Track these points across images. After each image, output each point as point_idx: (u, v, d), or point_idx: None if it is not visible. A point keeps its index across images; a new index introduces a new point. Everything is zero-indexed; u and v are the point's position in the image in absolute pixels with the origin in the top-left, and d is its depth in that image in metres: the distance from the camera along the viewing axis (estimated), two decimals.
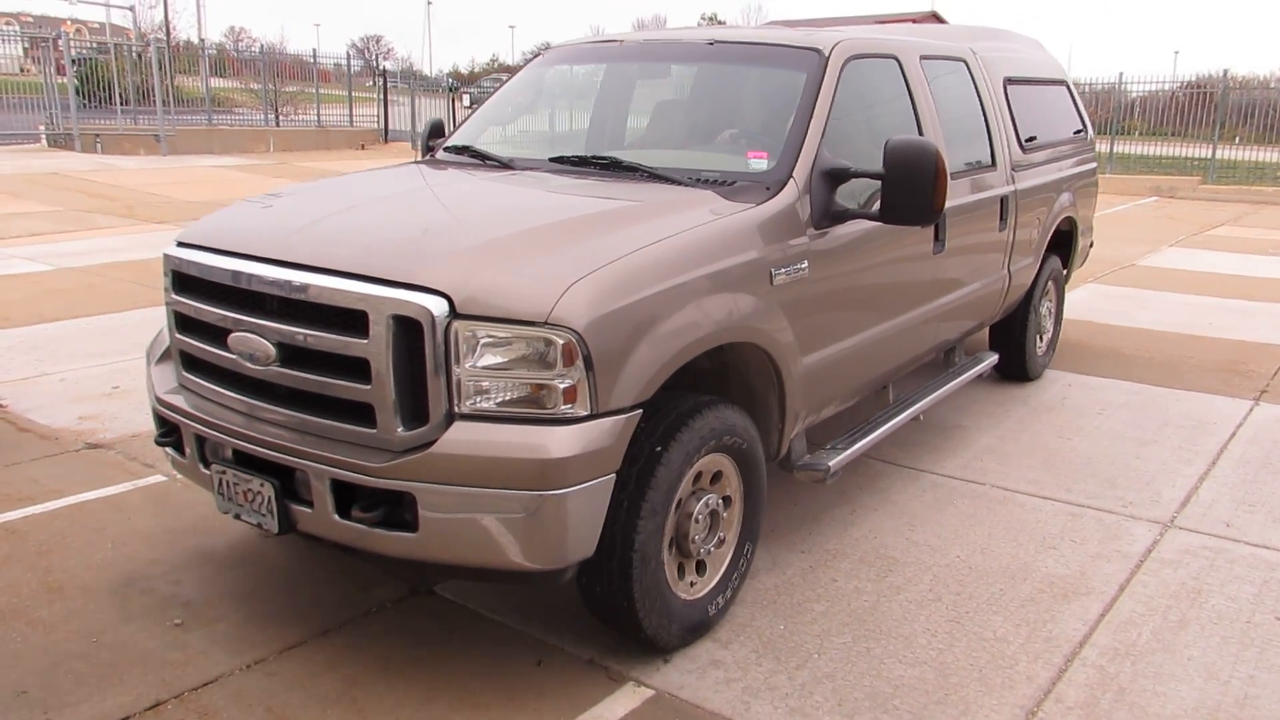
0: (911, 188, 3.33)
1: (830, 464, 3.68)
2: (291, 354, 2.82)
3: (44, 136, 20.28)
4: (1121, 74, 21.39)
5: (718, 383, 3.40)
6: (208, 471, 3.07)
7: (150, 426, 4.92)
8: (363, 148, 24.68)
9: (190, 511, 4.02)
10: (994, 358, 5.46)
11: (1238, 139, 21.97)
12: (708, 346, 3.00)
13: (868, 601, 3.45)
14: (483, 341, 2.60)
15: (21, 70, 24.47)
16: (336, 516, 2.74)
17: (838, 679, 2.99)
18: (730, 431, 3.10)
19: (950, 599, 3.48)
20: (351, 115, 26.09)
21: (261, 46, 28.54)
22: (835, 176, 3.56)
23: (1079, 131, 6.44)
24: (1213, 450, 4.99)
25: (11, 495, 4.14)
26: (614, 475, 2.73)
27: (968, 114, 4.91)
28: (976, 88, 5.05)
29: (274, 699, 2.83)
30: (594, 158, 3.87)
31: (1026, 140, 5.47)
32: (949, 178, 3.57)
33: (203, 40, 29.94)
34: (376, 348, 2.63)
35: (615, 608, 2.93)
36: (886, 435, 4.16)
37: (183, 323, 3.21)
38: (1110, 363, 6.57)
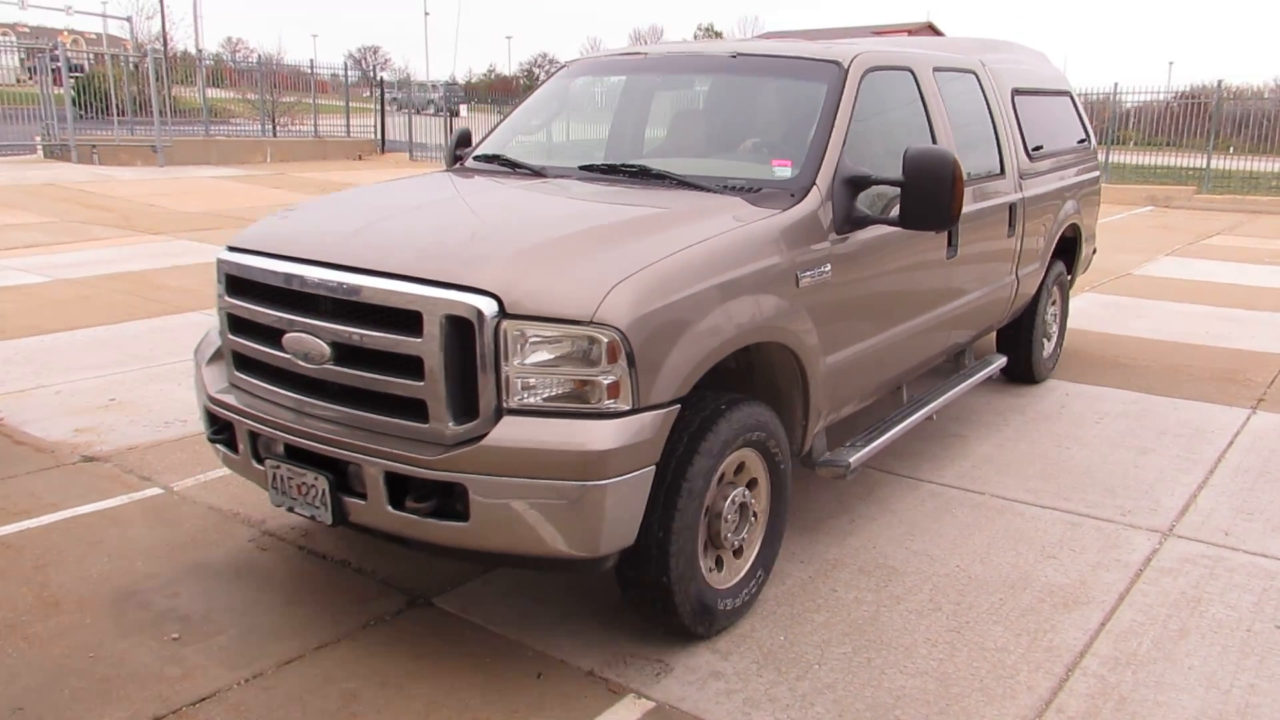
0: (930, 194, 3.49)
1: (850, 460, 3.82)
2: (346, 353, 2.94)
3: (40, 147, 20.28)
4: (1116, 84, 21.47)
5: (743, 382, 3.50)
6: (261, 467, 3.18)
7: (147, 439, 4.94)
8: (360, 158, 24.72)
9: (187, 524, 4.01)
10: (1002, 360, 5.60)
11: (1231, 149, 22.06)
12: (740, 345, 3.14)
13: (868, 611, 3.44)
14: (531, 340, 2.74)
15: (18, 81, 24.46)
16: (390, 507, 2.86)
17: (839, 690, 2.98)
18: (759, 428, 3.24)
19: (950, 608, 3.47)
20: (349, 126, 26.13)
21: (259, 57, 28.53)
22: (856, 184, 3.71)
23: (1082, 141, 6.57)
24: (1211, 459, 4.99)
25: (7, 509, 4.12)
26: (654, 467, 2.86)
27: (978, 123, 5.05)
28: (986, 98, 5.19)
29: (272, 714, 2.82)
30: (623, 166, 4.02)
31: (1033, 149, 5.60)
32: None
33: (200, 51, 30.00)
34: (430, 346, 2.76)
35: (652, 596, 3.05)
36: (902, 434, 4.30)
37: (235, 324, 3.33)
38: (1108, 372, 6.57)
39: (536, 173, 4.11)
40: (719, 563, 3.28)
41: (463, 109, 28.06)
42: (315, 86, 26.66)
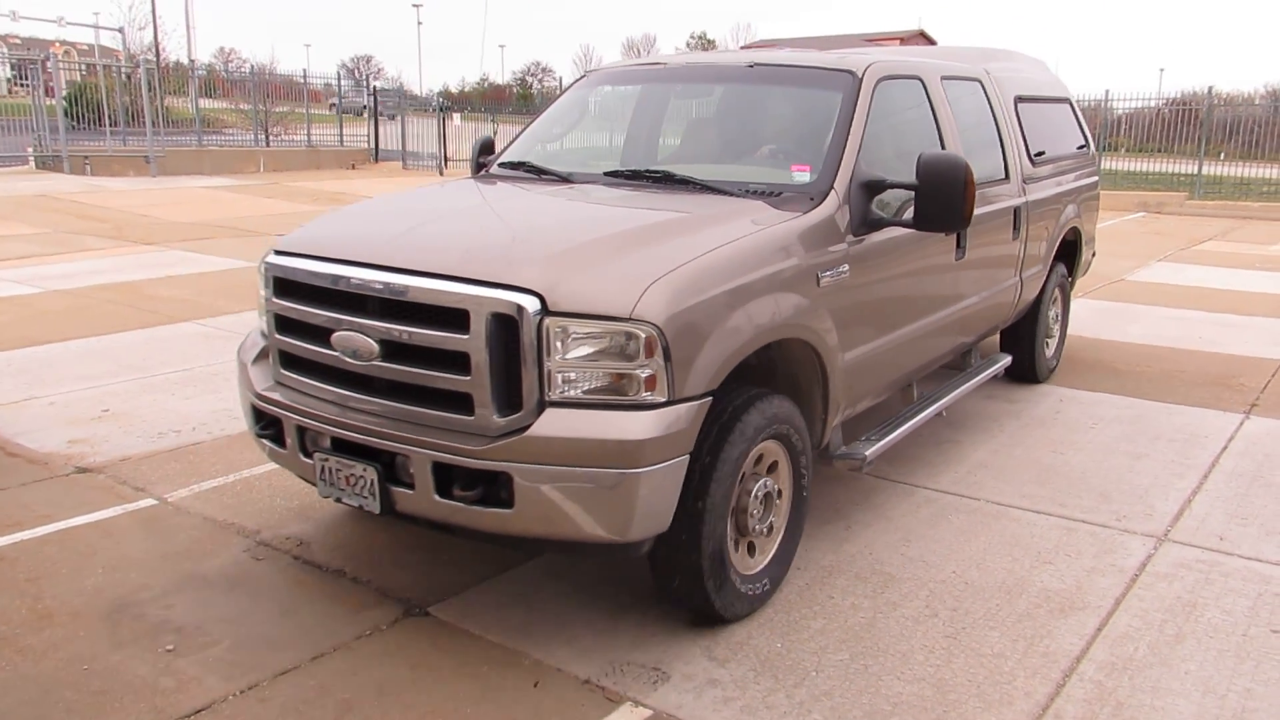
0: (943, 198, 3.66)
1: (867, 453, 3.99)
2: (393, 349, 3.07)
3: (32, 159, 20.24)
4: (1108, 91, 21.57)
5: (765, 378, 3.59)
6: (308, 460, 3.32)
7: (141, 449, 4.92)
8: (353, 167, 24.72)
9: (181, 535, 3.99)
10: (1007, 359, 5.78)
11: (1222, 155, 22.17)
12: (766, 341, 3.31)
13: (864, 618, 3.44)
14: (572, 336, 2.88)
15: (9, 91, 24.42)
16: (437, 496, 3.00)
17: (836, 697, 2.97)
18: (783, 421, 3.39)
19: (947, 615, 3.47)
20: (342, 135, 26.13)
21: (252, 67, 28.53)
22: (871, 188, 3.87)
23: (1082, 147, 6.76)
24: (1205, 464, 5.00)
25: (0, 521, 4.10)
26: (687, 456, 3.01)
27: (983, 130, 5.23)
28: (991, 106, 5.37)
29: None
30: (647, 171, 4.19)
31: (1036, 155, 5.77)
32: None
33: (193, 61, 29.96)
34: (476, 342, 2.90)
35: (684, 579, 3.19)
36: (915, 428, 4.47)
37: (283, 324, 3.45)
38: (1102, 377, 6.59)
39: (564, 179, 4.25)
40: (749, 549, 3.44)
41: (456, 116, 28.08)
42: (308, 96, 26.67)
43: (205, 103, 25.58)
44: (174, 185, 18.55)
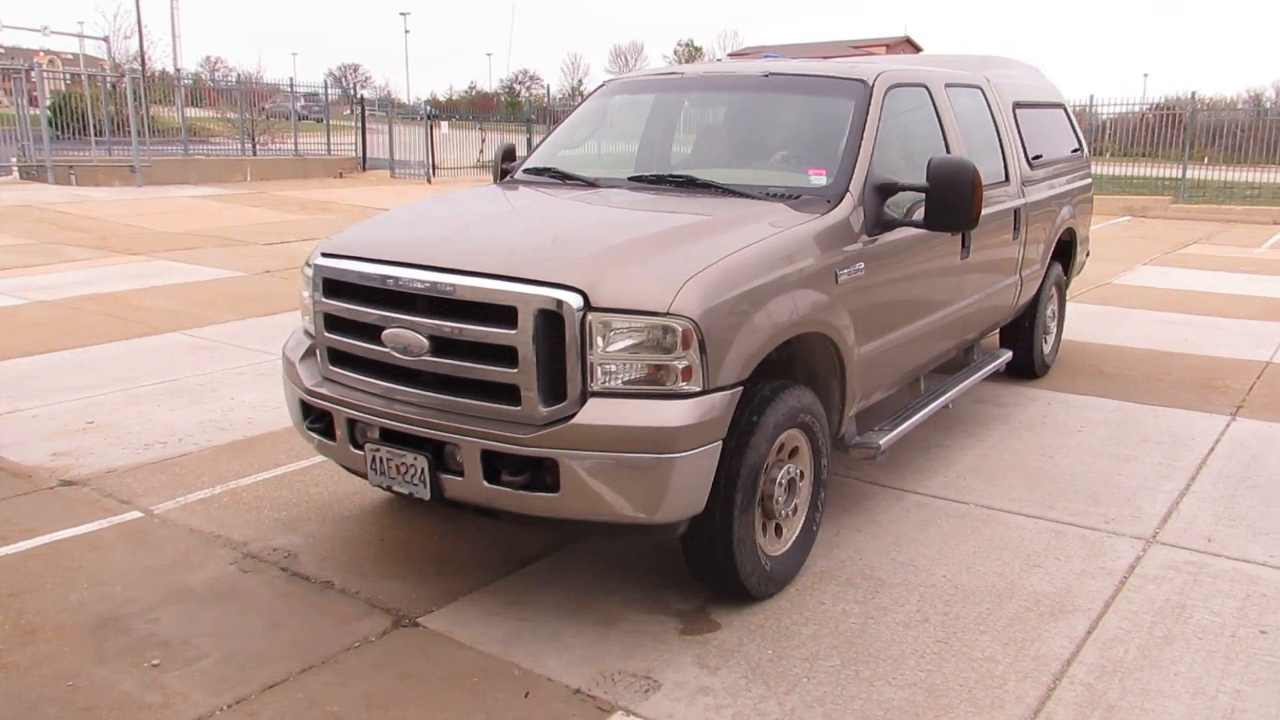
0: (953, 199, 3.88)
1: (880, 443, 4.20)
2: (443, 345, 3.25)
3: (15, 168, 20.12)
4: (1093, 96, 21.73)
5: (785, 371, 3.73)
6: (358, 451, 3.48)
7: (126, 461, 4.88)
8: (340, 176, 24.65)
9: (167, 548, 3.96)
10: (1008, 355, 6.01)
11: (1206, 159, 22.34)
12: (790, 334, 3.51)
13: (855, 624, 3.44)
14: (613, 330, 3.07)
15: None
16: (485, 482, 3.18)
17: (828, 703, 2.97)
18: (806, 410, 3.60)
19: (938, 619, 3.47)
20: (329, 143, 26.07)
21: (238, 76, 28.45)
22: (884, 190, 4.08)
23: (1076, 150, 6.99)
24: (1192, 466, 5.02)
25: None
26: (721, 442, 3.20)
27: (984, 134, 5.44)
28: (991, 111, 5.60)
29: None
30: (670, 176, 4.40)
31: (1033, 158, 6.01)
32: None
33: (178, 70, 29.88)
34: (524, 337, 3.08)
35: (716, 559, 3.38)
36: (923, 420, 4.67)
37: (331, 323, 3.61)
38: (1089, 380, 6.62)
39: (590, 184, 4.44)
40: (776, 531, 3.64)
41: (444, 124, 28.05)
42: (294, 104, 26.61)
43: (191, 112, 25.49)
44: (160, 195, 18.47)
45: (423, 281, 3.28)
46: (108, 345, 7.20)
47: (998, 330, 6.23)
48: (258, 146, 24.82)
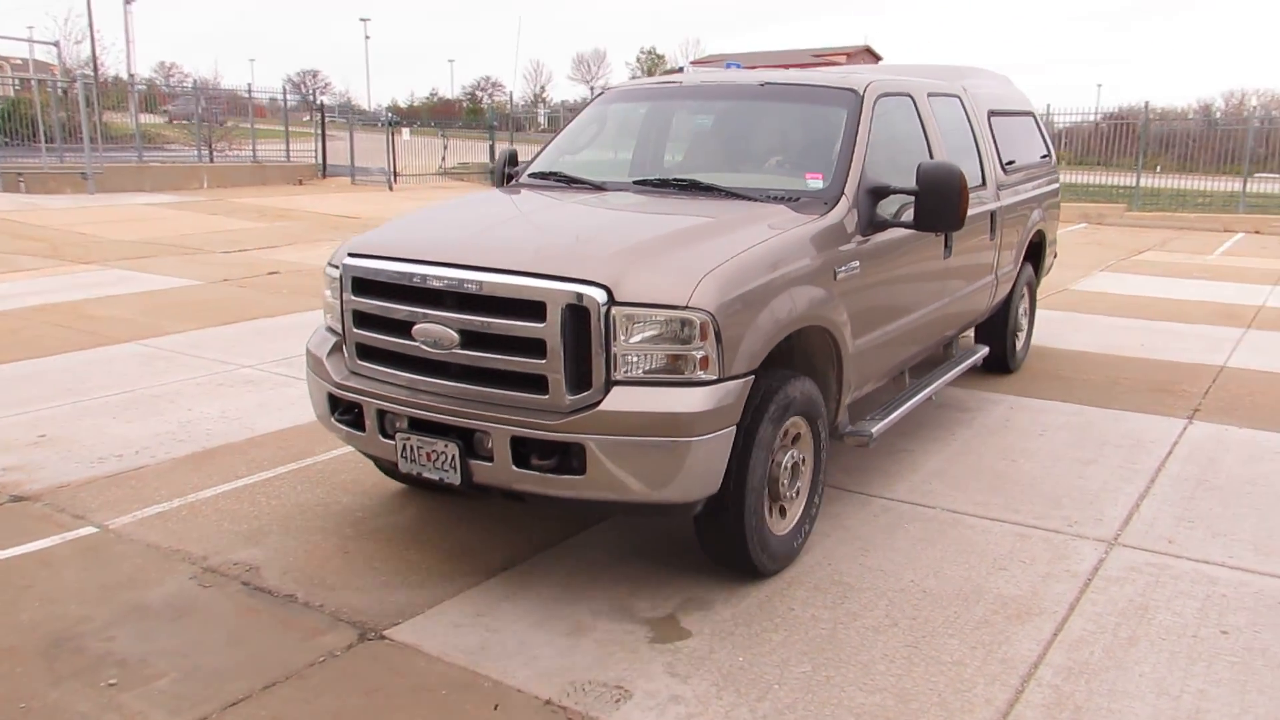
0: (942, 201, 4.11)
1: (873, 430, 4.40)
2: (472, 338, 3.43)
3: None
4: (1049, 106, 22.10)
5: (785, 363, 3.88)
6: (388, 441, 3.65)
7: (80, 475, 4.76)
8: (300, 183, 24.35)
9: (123, 564, 3.86)
10: (985, 350, 6.29)
11: (1159, 168, 22.83)
12: (795, 327, 3.73)
13: (825, 629, 3.44)
14: (636, 323, 3.27)
15: None
16: (515, 467, 3.36)
17: (799, 710, 2.96)
18: (808, 398, 3.82)
19: (906, 624, 3.48)
20: (288, 150, 25.76)
21: (194, 82, 28.06)
22: (876, 193, 4.32)
23: (1045, 156, 7.29)
24: (1151, 468, 5.10)
25: None
26: (735, 427, 3.42)
27: (963, 140, 5.71)
28: (969, 119, 5.86)
29: None
30: (674, 180, 4.56)
31: (1007, 164, 6.27)
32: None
33: (132, 76, 29.38)
34: (552, 330, 3.28)
35: (727, 538, 3.61)
36: (911, 409, 4.91)
37: (360, 319, 3.77)
38: (1050, 385, 6.70)
39: (597, 187, 4.66)
40: (780, 512, 3.84)
41: (405, 131, 27.86)
42: (253, 111, 26.27)
43: (146, 118, 25.05)
44: (113, 203, 18.10)
45: (453, 279, 3.45)
46: (60, 356, 7.03)
47: (973, 329, 6.51)
48: (215, 153, 24.45)
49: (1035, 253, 7.05)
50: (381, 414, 3.67)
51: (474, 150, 28.93)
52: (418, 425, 3.57)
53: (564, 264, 3.38)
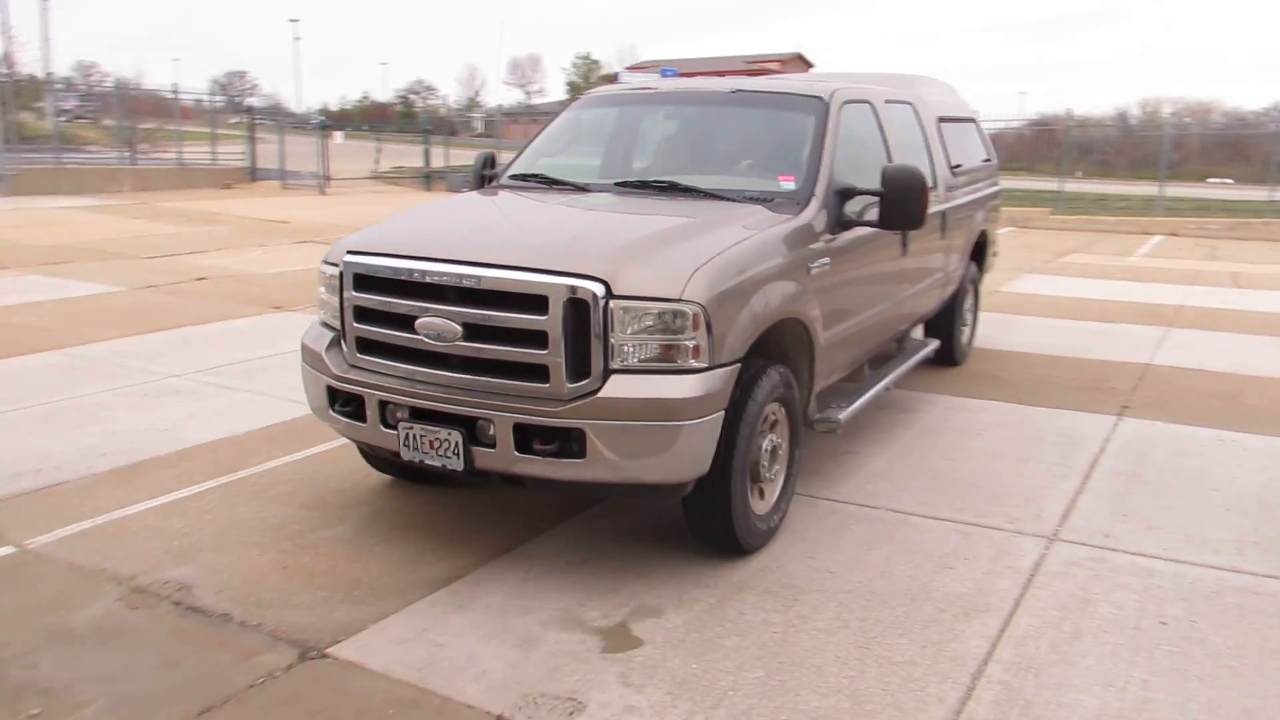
0: (904, 201, 4.39)
1: (840, 417, 4.63)
2: (475, 331, 3.58)
3: None
4: (976, 112, 22.62)
5: (762, 354, 3.99)
6: (389, 431, 3.78)
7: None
8: (228, 186, 23.75)
9: (44, 586, 3.67)
10: (936, 343, 6.61)
11: (1080, 173, 23.55)
12: (776, 319, 3.94)
13: (777, 633, 3.42)
14: (632, 314, 3.46)
15: None
16: (517, 452, 3.53)
17: (754, 715, 2.93)
18: (786, 386, 4.05)
19: (857, 625, 3.48)
20: (215, 153, 25.09)
21: (115, 81, 27.15)
22: (843, 194, 4.57)
23: (986, 160, 7.69)
24: (1085, 465, 5.22)
25: None
26: (722, 412, 3.62)
27: (916, 145, 5.98)
28: (921, 124, 6.16)
29: None
30: (655, 182, 4.74)
31: (954, 167, 6.57)
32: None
33: (49, 75, 28.28)
34: (554, 322, 3.46)
35: (715, 517, 3.82)
36: (873, 398, 5.19)
37: (361, 314, 3.90)
38: (985, 385, 6.83)
39: (580, 188, 4.85)
40: (760, 493, 4.04)
41: (337, 135, 27.36)
42: (178, 113, 25.53)
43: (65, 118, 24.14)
44: (29, 206, 17.39)
45: (457, 274, 3.62)
46: None
47: (922, 324, 6.72)
48: (138, 155, 23.69)
49: (979, 252, 7.40)
50: (383, 405, 3.79)
51: (408, 154, 28.56)
52: (420, 415, 3.70)
53: (564, 260, 3.56)
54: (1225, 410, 6.26)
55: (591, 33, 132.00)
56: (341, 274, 3.96)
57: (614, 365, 3.48)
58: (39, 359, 6.97)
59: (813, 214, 4.37)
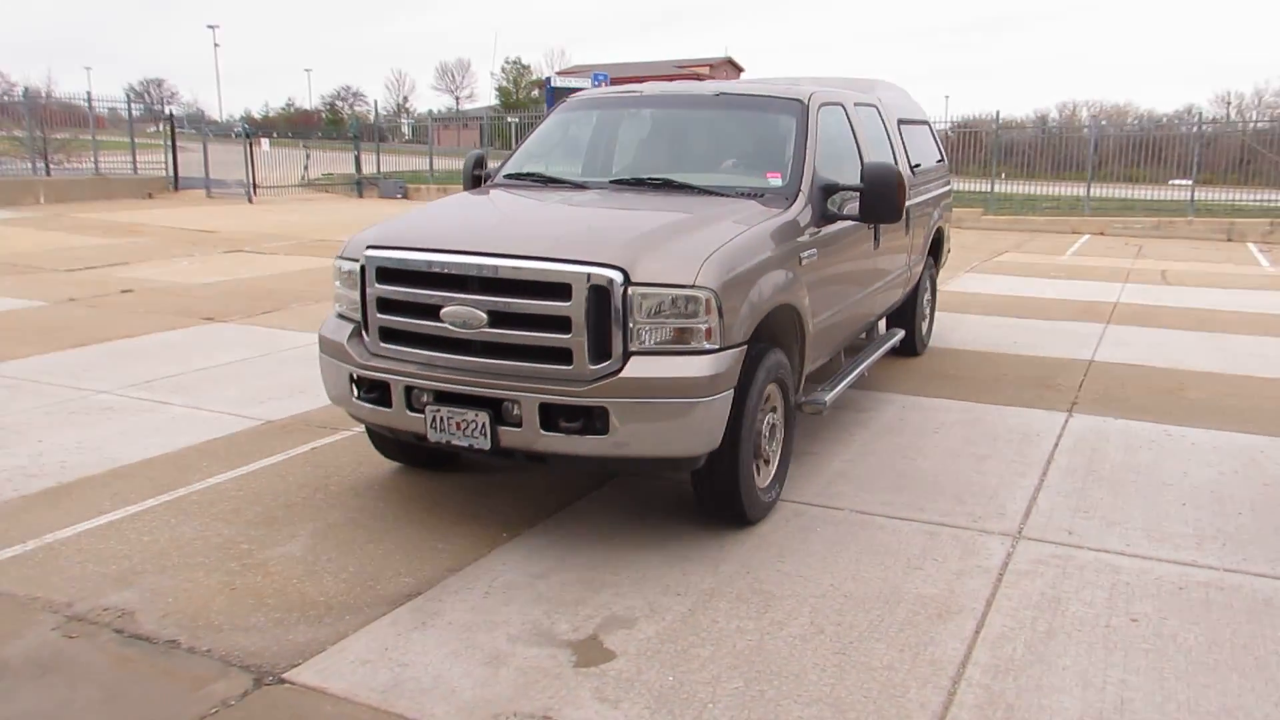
0: (883, 196, 4.73)
1: (826, 398, 4.95)
2: (500, 318, 3.81)
3: None
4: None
5: (756, 338, 4.14)
6: (416, 414, 3.97)
7: None
8: (150, 196, 22.96)
9: None
10: (901, 333, 6.97)
11: (1002, 174, 24.06)
12: (775, 305, 4.21)
13: (752, 641, 3.34)
14: (649, 300, 3.72)
15: None
16: (543, 430, 3.75)
17: None
18: (782, 368, 4.33)
19: (832, 630, 3.43)
20: (135, 163, 24.24)
21: (25, 90, 26.04)
22: (827, 189, 4.91)
23: (940, 161, 8.06)
24: (1041, 461, 5.26)
25: None
26: (732, 390, 3.88)
27: (880, 144, 6.28)
28: (885, 126, 6.50)
29: None
30: (649, 179, 4.99)
31: (914, 166, 6.91)
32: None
33: None
34: (577, 309, 3.71)
35: (723, 488, 4.09)
36: (853, 382, 5.55)
37: (384, 305, 4.09)
38: (937, 383, 6.87)
39: (579, 186, 5.12)
40: (759, 469, 4.28)
41: (264, 142, 26.69)
42: (94, 122, 24.59)
43: None
44: None
45: (483, 265, 3.84)
46: None
47: (884, 317, 6.96)
48: (52, 166, 22.76)
49: (935, 248, 7.81)
50: (408, 390, 3.97)
51: (338, 161, 27.97)
52: (445, 398, 3.90)
53: (586, 250, 3.79)
54: (1169, 405, 6.39)
55: (520, 36, 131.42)
56: (363, 268, 4.13)
57: (633, 348, 3.72)
58: None
59: (800, 208, 4.67)
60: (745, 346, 3.93)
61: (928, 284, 7.71)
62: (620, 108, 5.84)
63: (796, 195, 4.73)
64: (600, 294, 3.69)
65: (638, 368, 3.70)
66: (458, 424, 3.85)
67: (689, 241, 3.97)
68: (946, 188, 8.06)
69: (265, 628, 3.38)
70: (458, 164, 30.29)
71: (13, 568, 3.80)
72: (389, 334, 4.09)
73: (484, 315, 3.80)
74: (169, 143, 24.39)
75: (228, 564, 3.88)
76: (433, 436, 3.92)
